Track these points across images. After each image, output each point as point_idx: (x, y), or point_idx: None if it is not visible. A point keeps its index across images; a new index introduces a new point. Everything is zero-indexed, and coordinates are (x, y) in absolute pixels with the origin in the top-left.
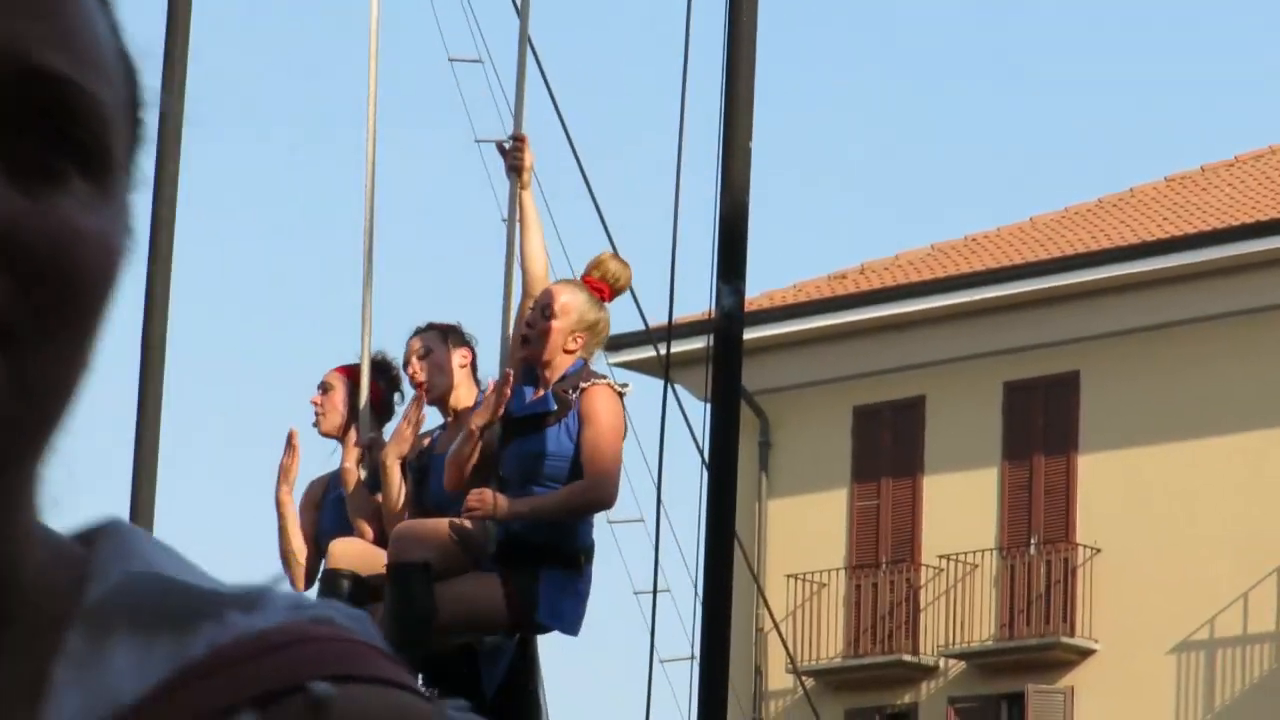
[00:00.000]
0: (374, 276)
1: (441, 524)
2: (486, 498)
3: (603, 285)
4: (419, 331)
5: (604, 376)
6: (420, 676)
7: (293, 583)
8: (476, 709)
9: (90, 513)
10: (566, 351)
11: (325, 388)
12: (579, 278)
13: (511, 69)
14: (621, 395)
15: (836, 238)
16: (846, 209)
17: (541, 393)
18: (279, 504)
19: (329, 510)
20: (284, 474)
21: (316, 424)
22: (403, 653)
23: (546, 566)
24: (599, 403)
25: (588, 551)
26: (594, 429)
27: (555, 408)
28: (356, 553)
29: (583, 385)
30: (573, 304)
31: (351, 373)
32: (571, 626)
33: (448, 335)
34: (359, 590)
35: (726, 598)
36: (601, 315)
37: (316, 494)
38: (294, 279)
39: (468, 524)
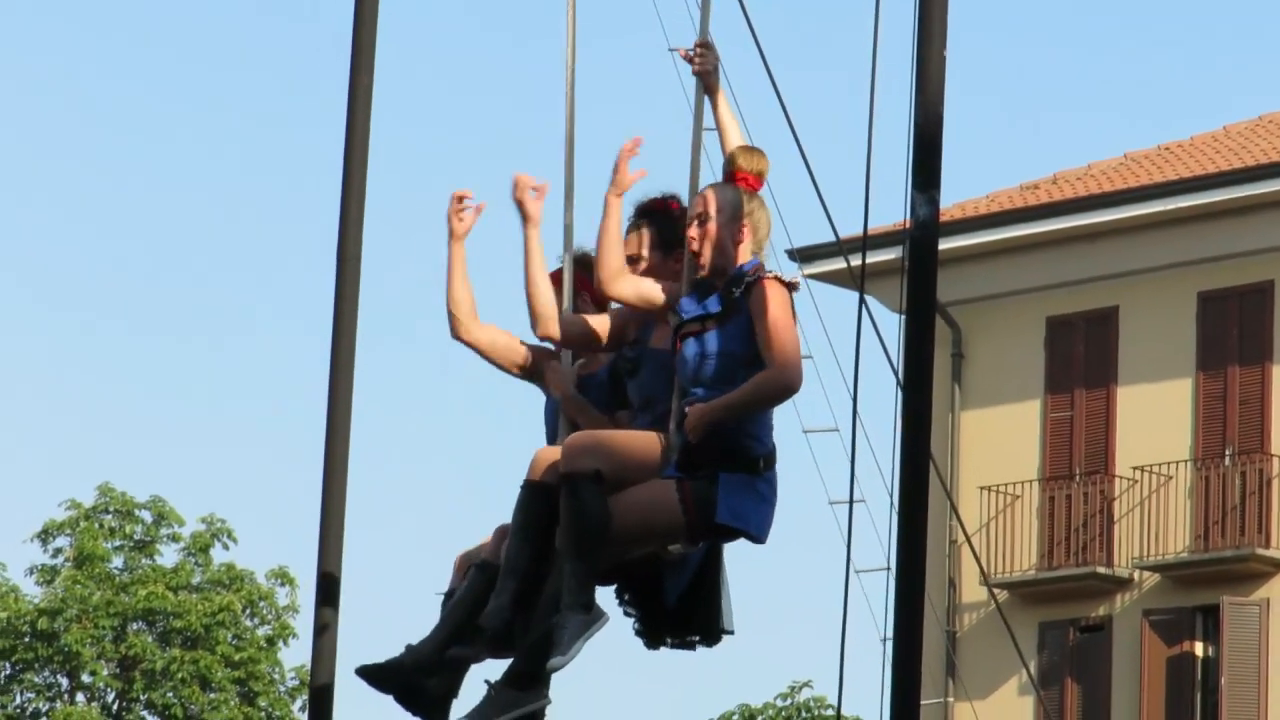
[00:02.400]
0: (574, 188)
1: (616, 434)
2: (695, 406)
3: (746, 175)
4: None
5: (773, 271)
6: (611, 583)
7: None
8: (657, 616)
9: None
10: (735, 245)
11: None
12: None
13: None
14: (791, 288)
15: (1028, 148)
16: (1038, 119)
17: (712, 294)
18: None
19: (547, 418)
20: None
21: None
22: (579, 562)
23: (725, 470)
24: (769, 294)
25: (767, 456)
26: (767, 319)
27: (720, 309)
28: (556, 462)
29: (749, 280)
30: (721, 199)
31: (556, 278)
32: (757, 529)
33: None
34: (557, 504)
35: (922, 509)
36: (755, 204)
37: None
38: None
39: (655, 434)
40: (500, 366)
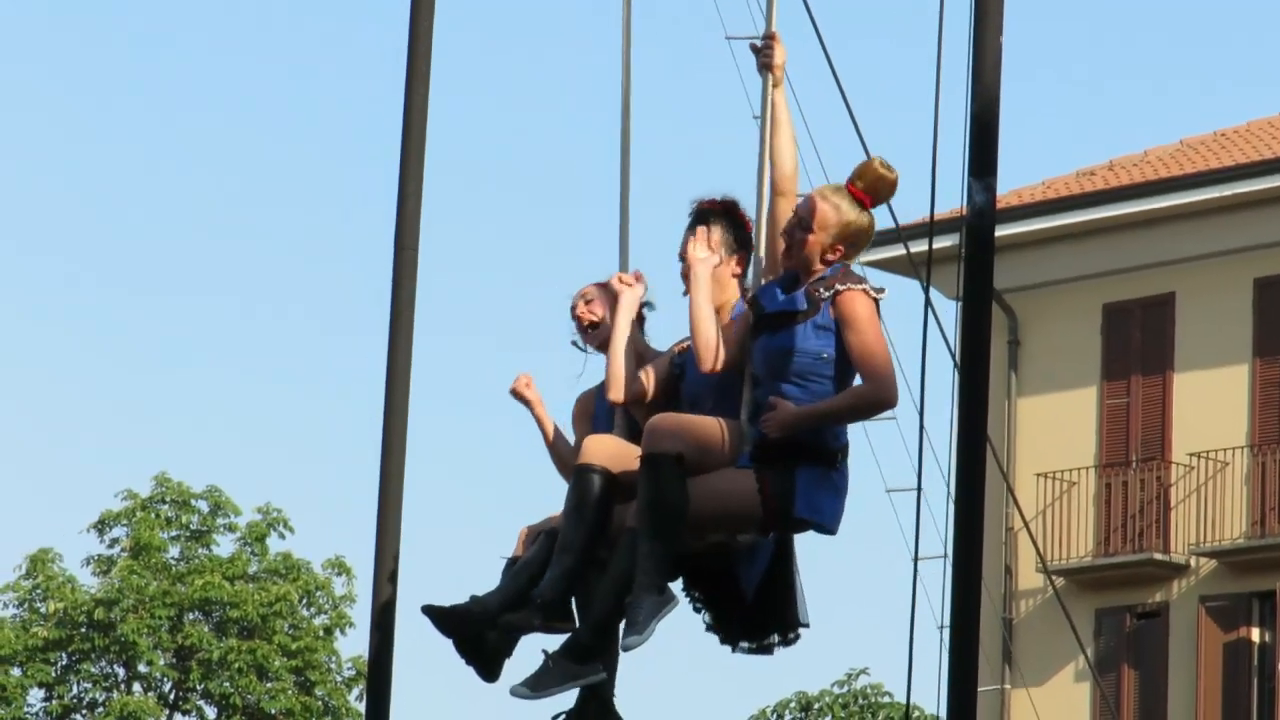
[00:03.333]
0: (630, 175)
1: (697, 419)
2: (782, 406)
3: (865, 195)
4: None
5: (861, 280)
6: (679, 575)
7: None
8: (731, 612)
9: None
10: (824, 262)
11: (586, 298)
12: (845, 184)
13: None
14: (877, 301)
15: (1085, 134)
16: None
17: (796, 289)
18: (523, 398)
19: (602, 419)
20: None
21: (581, 336)
22: (655, 543)
23: (803, 464)
24: (859, 307)
25: (844, 450)
26: (860, 333)
27: (805, 307)
28: (610, 450)
29: (839, 288)
30: (832, 217)
31: (599, 288)
32: (831, 522)
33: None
34: (609, 487)
35: (979, 496)
36: (862, 222)
37: (589, 404)
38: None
39: (732, 422)
40: None
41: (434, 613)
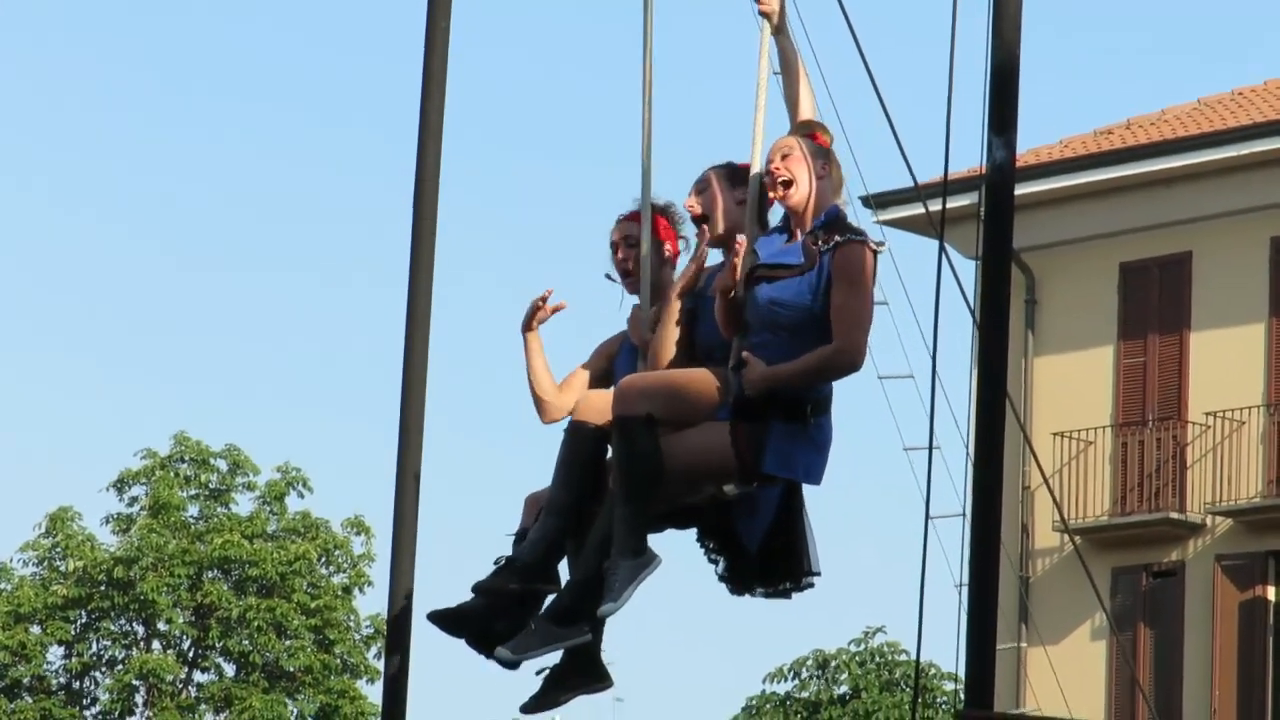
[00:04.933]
0: (652, 125)
1: (671, 375)
2: (753, 364)
3: (821, 136)
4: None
5: (861, 232)
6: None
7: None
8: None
9: None
10: (817, 177)
11: (629, 242)
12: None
13: None
14: (876, 254)
15: (1102, 93)
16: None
17: (795, 239)
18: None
19: (624, 358)
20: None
21: (625, 278)
22: (631, 505)
23: (776, 416)
24: (855, 262)
25: (820, 403)
26: (848, 290)
27: (801, 260)
28: (602, 405)
29: (838, 239)
30: (806, 144)
31: (638, 220)
32: (808, 474)
33: (726, 174)
34: (601, 441)
35: (998, 455)
36: (833, 156)
37: (614, 345)
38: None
39: (712, 373)
40: None
41: (440, 618)
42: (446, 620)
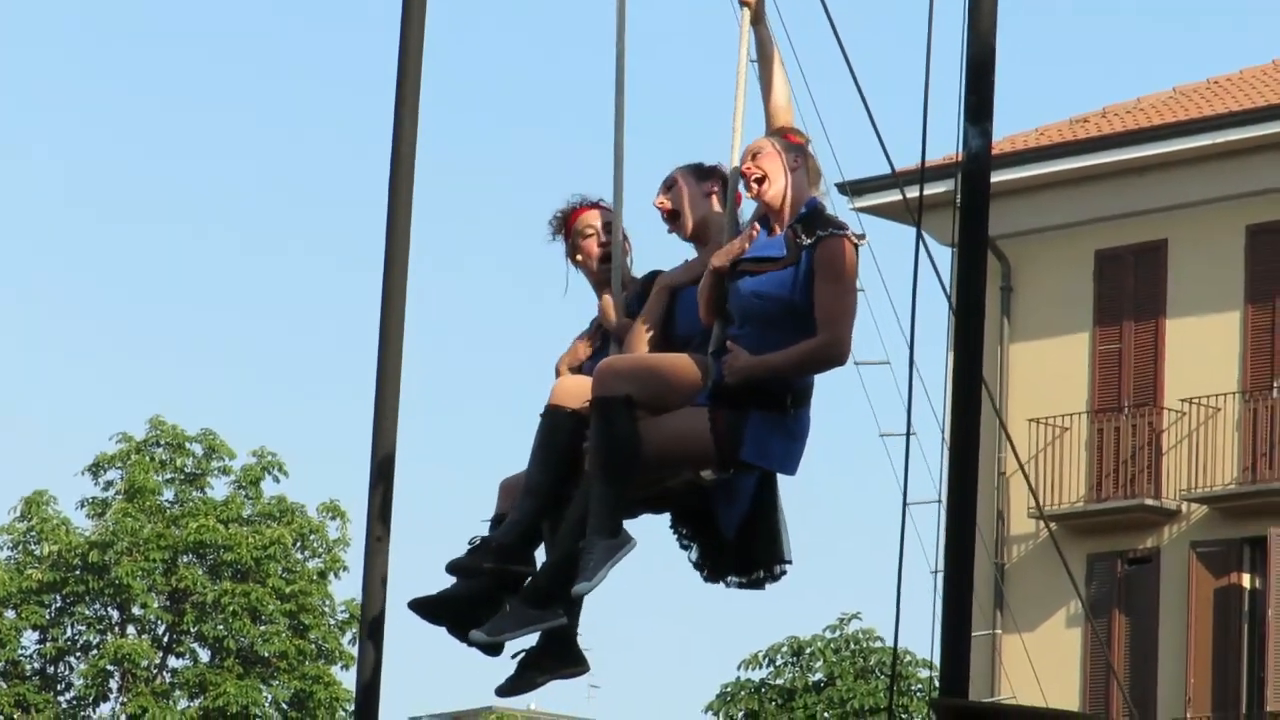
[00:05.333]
0: (625, 118)
1: (652, 358)
2: (737, 354)
3: (795, 135)
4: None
5: (843, 226)
6: (657, 511)
7: None
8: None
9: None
10: (791, 170)
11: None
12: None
13: None
14: (858, 247)
15: (1079, 82)
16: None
17: (775, 234)
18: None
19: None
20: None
21: (586, 266)
22: (607, 486)
23: (756, 405)
24: (838, 257)
25: (799, 394)
26: (832, 284)
27: (784, 253)
28: (578, 389)
29: (820, 234)
30: (780, 142)
31: (605, 211)
32: (784, 464)
33: (693, 171)
34: (579, 425)
35: (974, 441)
36: (809, 152)
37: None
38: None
39: (692, 357)
40: None
41: (420, 606)
42: (427, 607)
